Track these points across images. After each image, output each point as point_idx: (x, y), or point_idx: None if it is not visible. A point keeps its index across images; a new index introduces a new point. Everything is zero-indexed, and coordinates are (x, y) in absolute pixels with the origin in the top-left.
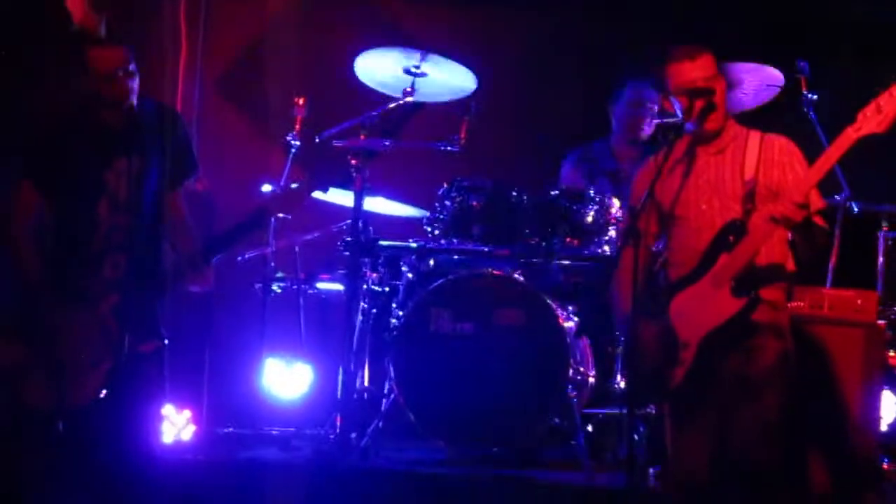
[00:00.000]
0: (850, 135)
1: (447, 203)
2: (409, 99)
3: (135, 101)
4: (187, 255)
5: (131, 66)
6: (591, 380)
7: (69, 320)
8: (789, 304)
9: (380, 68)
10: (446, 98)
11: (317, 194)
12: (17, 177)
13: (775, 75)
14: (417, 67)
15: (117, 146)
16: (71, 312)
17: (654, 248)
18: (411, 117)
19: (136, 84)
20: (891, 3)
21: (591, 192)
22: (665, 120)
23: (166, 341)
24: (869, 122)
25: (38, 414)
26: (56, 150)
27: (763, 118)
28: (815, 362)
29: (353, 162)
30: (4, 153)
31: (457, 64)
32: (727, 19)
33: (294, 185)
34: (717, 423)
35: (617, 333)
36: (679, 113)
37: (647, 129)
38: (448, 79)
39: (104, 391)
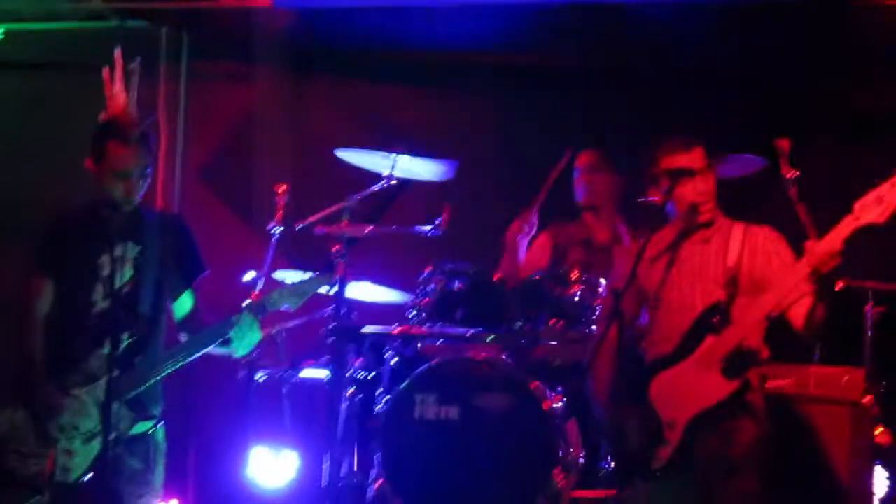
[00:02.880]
0: (850, 223)
1: (430, 287)
2: (393, 182)
3: (137, 202)
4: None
5: (148, 170)
6: (581, 460)
7: (65, 394)
8: (775, 383)
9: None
10: (426, 178)
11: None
12: (30, 265)
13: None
14: (391, 173)
15: (114, 236)
16: (68, 386)
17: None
18: (393, 201)
19: (144, 186)
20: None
21: (575, 273)
22: (647, 198)
23: (161, 423)
24: (868, 211)
25: (28, 485)
26: (62, 239)
27: (744, 195)
28: (802, 439)
29: (335, 248)
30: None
31: (429, 161)
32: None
33: (300, 280)
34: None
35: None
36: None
37: (597, 189)
38: (425, 167)
39: (92, 472)
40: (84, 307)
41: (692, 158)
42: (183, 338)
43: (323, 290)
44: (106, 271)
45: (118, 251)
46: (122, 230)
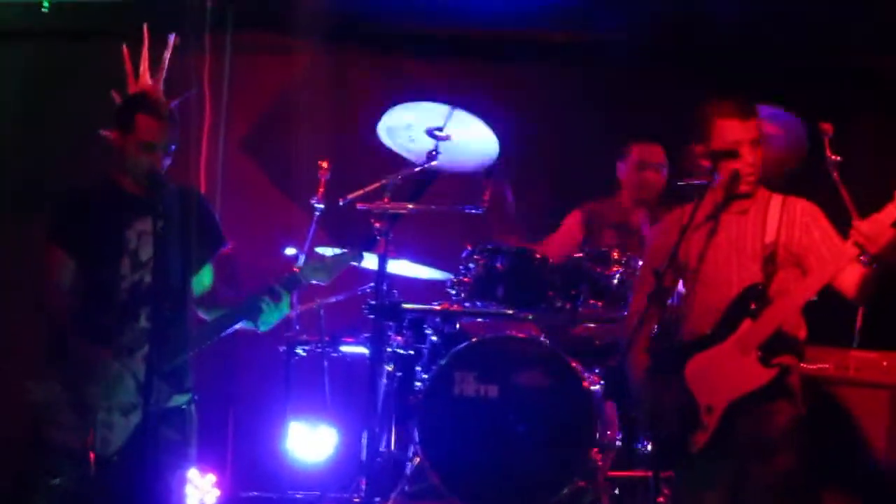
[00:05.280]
0: (893, 210)
1: (471, 265)
2: (434, 163)
3: (158, 176)
4: (267, 288)
5: (172, 147)
6: (618, 442)
7: (103, 366)
8: (815, 366)
9: (404, 132)
10: (470, 165)
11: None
12: (45, 240)
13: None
14: (441, 130)
15: (138, 209)
16: (105, 359)
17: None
18: (435, 180)
19: (166, 162)
20: None
21: (616, 254)
22: (690, 181)
23: (196, 397)
24: None
25: (66, 457)
26: (79, 213)
27: (785, 181)
28: (841, 423)
29: (377, 225)
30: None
31: (481, 122)
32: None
33: (332, 254)
34: (732, 488)
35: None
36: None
37: (654, 188)
38: (471, 142)
39: (130, 443)
40: (113, 281)
41: (748, 129)
42: (200, 313)
43: (354, 263)
44: (133, 245)
45: (142, 225)
46: (146, 204)
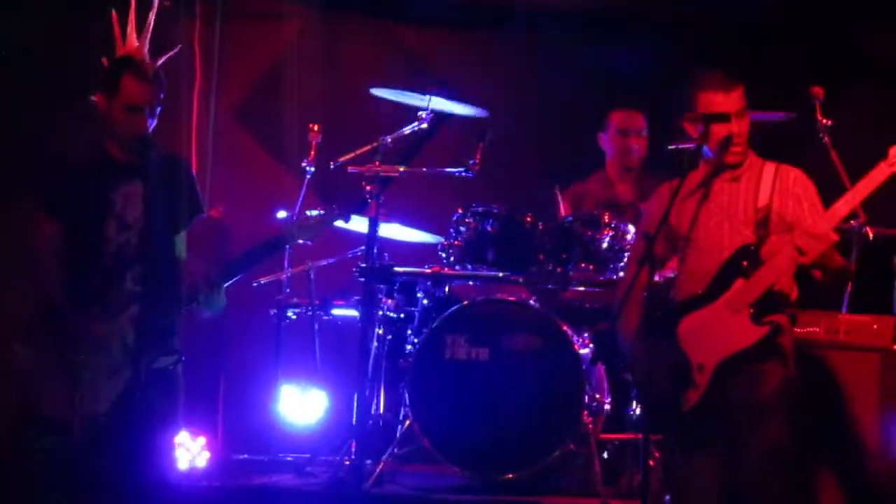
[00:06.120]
0: (884, 170)
1: (462, 229)
2: (424, 126)
3: (144, 139)
4: (202, 277)
5: (157, 109)
6: (607, 406)
7: (88, 328)
8: (804, 330)
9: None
10: (461, 113)
11: (338, 223)
12: (32, 208)
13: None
14: (425, 110)
15: (122, 172)
16: (90, 321)
17: (670, 273)
18: (426, 143)
19: (152, 125)
20: None
21: (606, 217)
22: (680, 145)
23: (183, 358)
24: None
25: (53, 420)
26: (66, 180)
27: (777, 144)
28: (831, 387)
29: (368, 188)
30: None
31: (464, 104)
32: (736, 45)
33: (316, 213)
34: (726, 448)
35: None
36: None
37: (637, 154)
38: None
39: (118, 405)
40: (99, 243)
41: (731, 100)
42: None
43: (339, 223)
44: (118, 207)
45: (127, 188)
46: (132, 168)
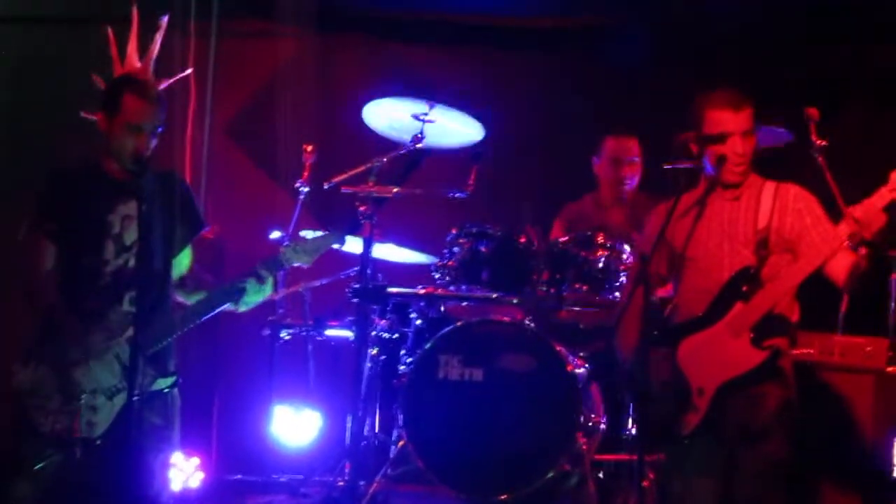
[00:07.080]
0: (885, 195)
1: (456, 249)
2: (419, 146)
3: (143, 158)
4: (259, 263)
5: (159, 129)
6: (602, 426)
7: (88, 349)
8: (796, 351)
9: (389, 115)
10: (455, 144)
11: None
12: (29, 227)
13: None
14: (426, 114)
15: (122, 193)
16: (89, 342)
17: (664, 294)
18: (420, 163)
19: (153, 144)
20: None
21: (601, 238)
22: (676, 164)
23: (180, 380)
24: None
25: (51, 440)
26: (64, 199)
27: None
28: (826, 408)
29: (362, 208)
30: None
31: (463, 114)
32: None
33: (312, 236)
34: (723, 470)
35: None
36: (706, 161)
37: (630, 184)
38: (457, 126)
39: (115, 426)
40: (97, 265)
41: (739, 119)
42: (179, 296)
43: (335, 246)
44: (116, 229)
45: (125, 209)
46: (129, 187)
